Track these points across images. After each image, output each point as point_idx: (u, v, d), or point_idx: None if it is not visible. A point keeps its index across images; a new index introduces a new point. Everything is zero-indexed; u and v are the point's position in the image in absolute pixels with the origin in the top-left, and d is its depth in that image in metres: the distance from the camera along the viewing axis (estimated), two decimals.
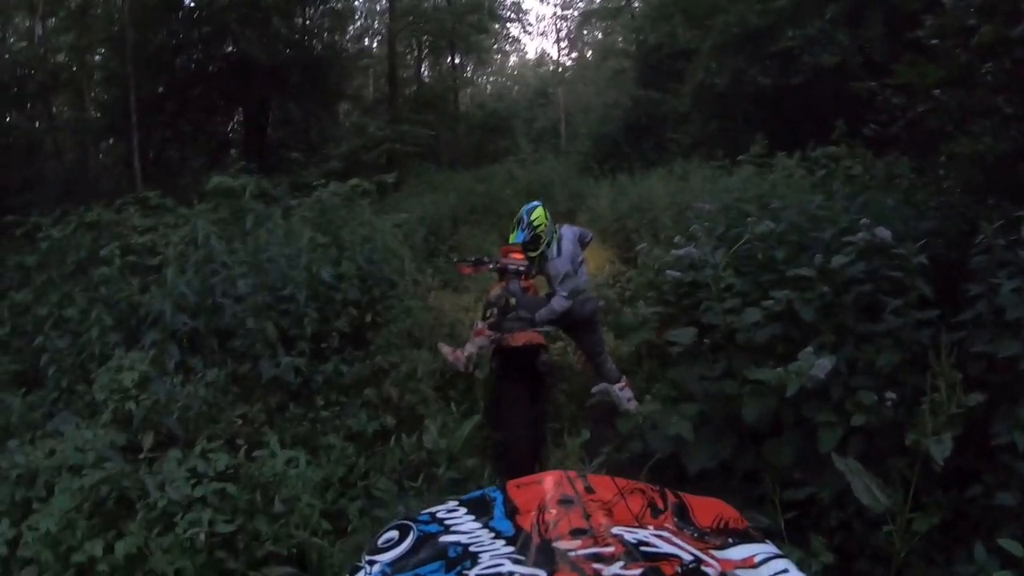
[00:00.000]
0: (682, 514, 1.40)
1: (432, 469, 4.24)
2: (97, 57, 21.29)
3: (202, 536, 3.19)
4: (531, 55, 51.66)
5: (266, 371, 4.78)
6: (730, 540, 1.33)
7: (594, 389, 4.43)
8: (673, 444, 3.80)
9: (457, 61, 31.82)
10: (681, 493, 1.46)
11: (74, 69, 19.87)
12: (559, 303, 4.85)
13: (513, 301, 4.89)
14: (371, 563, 1.27)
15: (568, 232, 5.24)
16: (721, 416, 3.89)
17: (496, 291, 5.28)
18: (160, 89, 20.63)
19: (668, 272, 4.12)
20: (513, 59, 47.52)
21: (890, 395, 3.39)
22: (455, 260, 6.94)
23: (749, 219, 4.51)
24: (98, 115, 20.73)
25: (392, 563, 1.25)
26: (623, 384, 5.02)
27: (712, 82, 13.88)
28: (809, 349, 3.37)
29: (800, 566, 3.02)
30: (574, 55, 44.80)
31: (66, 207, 6.91)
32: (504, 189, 14.60)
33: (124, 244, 6.16)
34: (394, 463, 4.41)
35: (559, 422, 5.14)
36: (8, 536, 3.22)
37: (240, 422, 4.46)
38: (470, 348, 4.93)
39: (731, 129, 13.10)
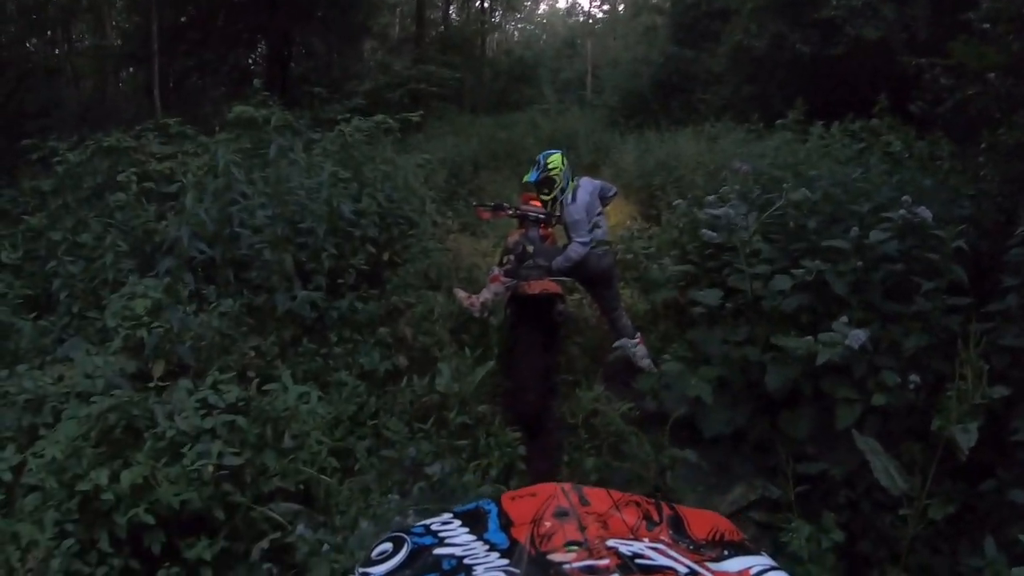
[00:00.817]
0: (677, 526, 1.39)
1: (443, 412, 4.23)
2: None
3: (209, 468, 3.17)
4: (562, 4, 51.00)
5: (281, 304, 4.74)
6: (726, 552, 1.32)
7: (616, 344, 4.40)
8: (689, 406, 3.79)
9: (486, 5, 31.40)
10: (676, 505, 1.46)
11: None
12: (575, 250, 4.84)
13: (531, 248, 4.84)
14: (365, 575, 1.26)
15: (587, 184, 5.17)
16: (740, 382, 3.86)
17: (514, 238, 5.24)
18: (183, 18, 20.38)
19: (703, 232, 4.04)
20: (543, 7, 46.98)
21: (914, 378, 3.36)
22: (474, 204, 6.89)
23: (785, 185, 4.42)
24: (119, 42, 20.49)
25: (386, 575, 1.24)
26: (638, 340, 5.00)
27: (750, 44, 13.61)
28: (844, 319, 3.33)
29: (810, 542, 3.03)
30: (606, 7, 44.10)
31: (84, 133, 6.86)
32: (527, 137, 14.48)
33: (142, 171, 6.11)
34: (405, 404, 4.40)
35: (573, 374, 5.11)
36: (13, 462, 3.21)
37: (252, 354, 4.43)
38: (485, 294, 4.91)
39: (765, 94, 12.90)
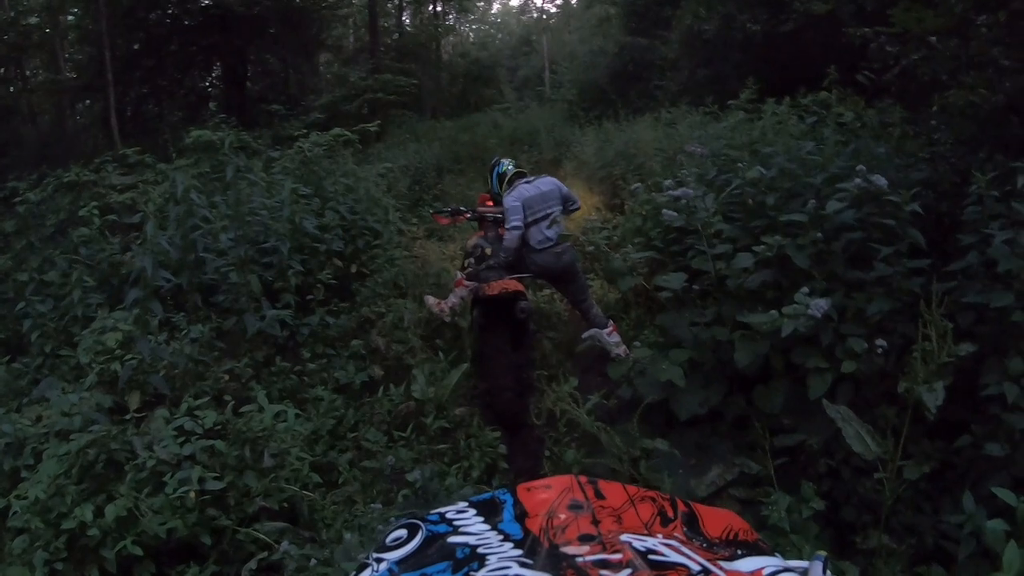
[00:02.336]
0: (692, 523, 1.38)
1: (421, 418, 4.25)
2: (70, 17, 20.74)
3: (192, 494, 3.18)
4: (514, 2, 50.91)
5: (251, 325, 4.73)
6: (739, 552, 1.31)
7: (584, 335, 4.43)
8: (663, 390, 3.81)
9: (439, 9, 31.29)
10: (691, 503, 1.45)
11: (47, 30, 19.33)
12: (507, 237, 4.92)
13: (489, 250, 4.86)
14: (378, 561, 1.25)
15: (543, 182, 5.21)
16: (711, 362, 3.89)
17: (473, 240, 5.26)
18: (136, 46, 20.17)
19: (665, 213, 4.06)
20: (496, 6, 46.79)
21: (880, 343, 3.40)
22: (431, 211, 6.91)
23: (740, 164, 4.46)
24: (73, 75, 20.25)
25: (399, 562, 1.23)
26: (611, 329, 5.04)
27: (701, 29, 13.68)
28: (805, 290, 3.36)
29: (790, 512, 3.06)
30: (558, 2, 44.18)
31: (44, 170, 6.81)
32: (488, 138, 14.47)
33: (103, 203, 6.08)
34: (383, 414, 4.42)
35: (548, 369, 5.14)
36: None
37: (227, 378, 4.43)
38: (452, 299, 4.94)
39: (720, 76, 12.94)
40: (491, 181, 5.38)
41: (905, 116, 5.22)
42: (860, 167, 3.74)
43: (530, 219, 5.02)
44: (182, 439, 3.40)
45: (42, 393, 4.22)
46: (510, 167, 5.40)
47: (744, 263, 3.84)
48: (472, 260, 4.91)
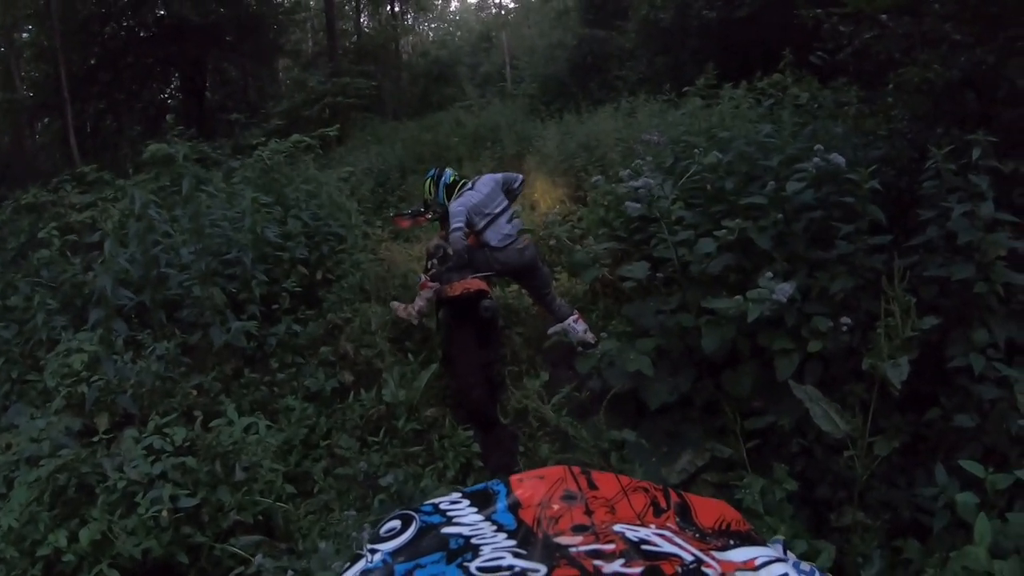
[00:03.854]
0: (684, 514, 1.41)
1: (393, 422, 4.24)
2: (24, 34, 20.49)
3: (165, 513, 3.15)
4: None
5: (217, 338, 4.69)
6: (732, 542, 1.35)
7: (550, 330, 4.43)
8: (632, 380, 3.82)
9: (397, 9, 31.18)
10: (684, 493, 1.47)
11: (1, 49, 19.08)
12: (451, 239, 4.89)
13: (451, 250, 4.86)
14: (372, 551, 1.26)
15: (484, 183, 5.20)
16: (678, 350, 3.91)
17: (435, 241, 5.25)
18: (92, 61, 19.96)
19: (627, 204, 4.07)
20: (454, 4, 46.71)
21: (845, 320, 3.43)
22: (392, 215, 6.88)
23: (696, 151, 4.48)
24: (30, 94, 20.01)
25: (394, 552, 1.24)
26: (576, 317, 5.07)
27: (657, 17, 13.72)
28: (769, 274, 3.38)
29: (764, 494, 3.09)
30: None
31: (3, 192, 6.71)
32: (451, 136, 14.42)
33: (63, 224, 6.01)
34: (355, 419, 4.42)
35: (517, 365, 5.15)
36: None
37: (195, 393, 4.39)
38: (419, 303, 4.94)
39: (677, 64, 13.00)
40: (436, 192, 5.32)
41: (861, 95, 5.27)
42: (818, 146, 3.77)
43: (485, 221, 5.02)
44: (152, 458, 3.36)
45: (11, 420, 4.16)
46: (456, 176, 5.40)
47: (706, 248, 3.86)
48: (435, 261, 4.90)
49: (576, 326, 4.94)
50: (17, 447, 3.57)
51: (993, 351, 3.25)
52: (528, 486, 1.40)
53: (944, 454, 3.30)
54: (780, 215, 3.78)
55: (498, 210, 5.07)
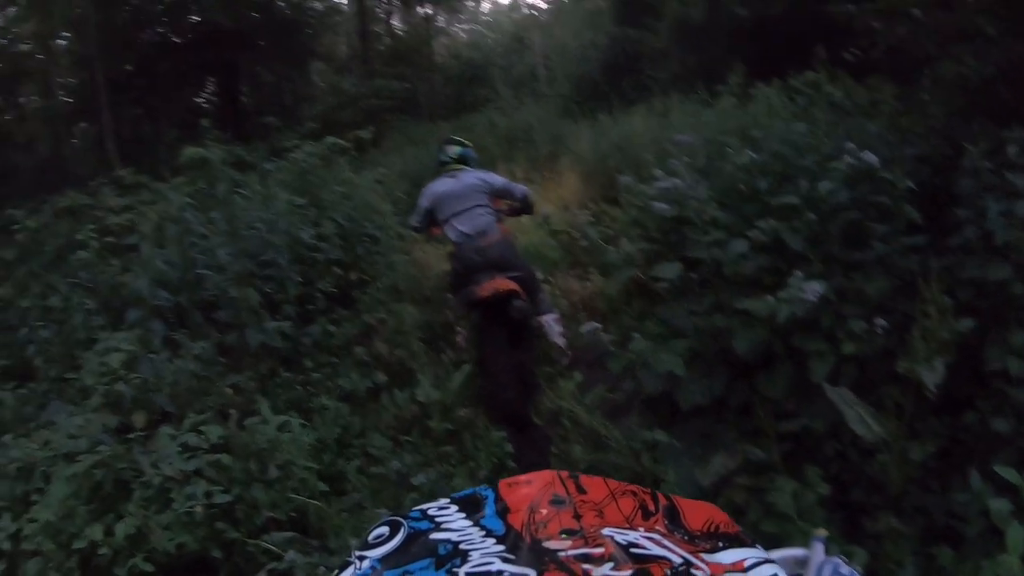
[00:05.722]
0: (673, 517, 1.38)
1: (426, 422, 4.26)
2: (61, 42, 20.83)
3: (200, 509, 3.20)
4: (504, 0, 50.91)
5: (253, 339, 4.75)
6: (720, 544, 1.31)
7: (583, 329, 4.43)
8: (665, 381, 3.80)
9: (429, 12, 31.29)
10: (672, 496, 1.45)
11: (38, 57, 19.44)
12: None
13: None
14: (360, 559, 1.24)
15: (469, 177, 5.23)
16: (712, 351, 3.87)
17: None
18: (128, 67, 20.25)
19: (656, 205, 4.06)
20: (486, 6, 46.70)
21: (880, 322, 3.37)
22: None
23: (729, 151, 4.45)
24: (68, 100, 20.35)
25: (382, 559, 1.22)
26: (556, 316, 5.23)
27: (688, 16, 13.66)
28: (798, 274, 3.34)
29: (796, 498, 3.05)
30: None
31: (42, 196, 6.86)
32: (485, 137, 14.47)
33: (101, 226, 6.12)
34: (388, 419, 4.45)
35: (551, 365, 5.14)
36: (11, 531, 3.24)
37: (231, 392, 4.44)
38: (558, 328, 5.16)
39: (710, 62, 12.87)
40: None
41: (896, 92, 5.20)
42: (850, 145, 3.72)
43: (445, 215, 5.07)
44: (188, 455, 3.42)
45: (50, 417, 4.24)
46: (447, 157, 5.46)
47: (739, 249, 3.82)
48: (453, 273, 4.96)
49: (554, 325, 5.05)
50: (55, 443, 3.65)
51: None
52: (516, 491, 1.39)
53: (980, 459, 3.23)
54: (813, 215, 3.74)
55: (466, 208, 5.07)
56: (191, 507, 3.20)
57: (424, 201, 5.18)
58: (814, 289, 3.21)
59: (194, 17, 20.44)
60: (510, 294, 4.67)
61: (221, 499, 3.30)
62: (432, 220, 5.25)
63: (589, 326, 4.17)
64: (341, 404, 4.52)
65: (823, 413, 3.43)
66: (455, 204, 5.06)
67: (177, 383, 4.23)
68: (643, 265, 4.55)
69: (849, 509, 3.39)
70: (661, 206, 3.98)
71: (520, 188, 5.44)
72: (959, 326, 3.07)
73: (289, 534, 3.37)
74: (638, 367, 3.90)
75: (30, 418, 4.43)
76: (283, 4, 23.09)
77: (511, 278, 4.80)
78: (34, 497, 3.43)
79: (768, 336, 3.58)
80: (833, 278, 3.59)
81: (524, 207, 5.51)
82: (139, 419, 3.91)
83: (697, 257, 4.05)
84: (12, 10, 19.46)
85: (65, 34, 20.33)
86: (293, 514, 3.48)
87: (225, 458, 3.43)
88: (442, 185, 5.15)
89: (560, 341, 5.00)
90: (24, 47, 19.65)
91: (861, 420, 3.10)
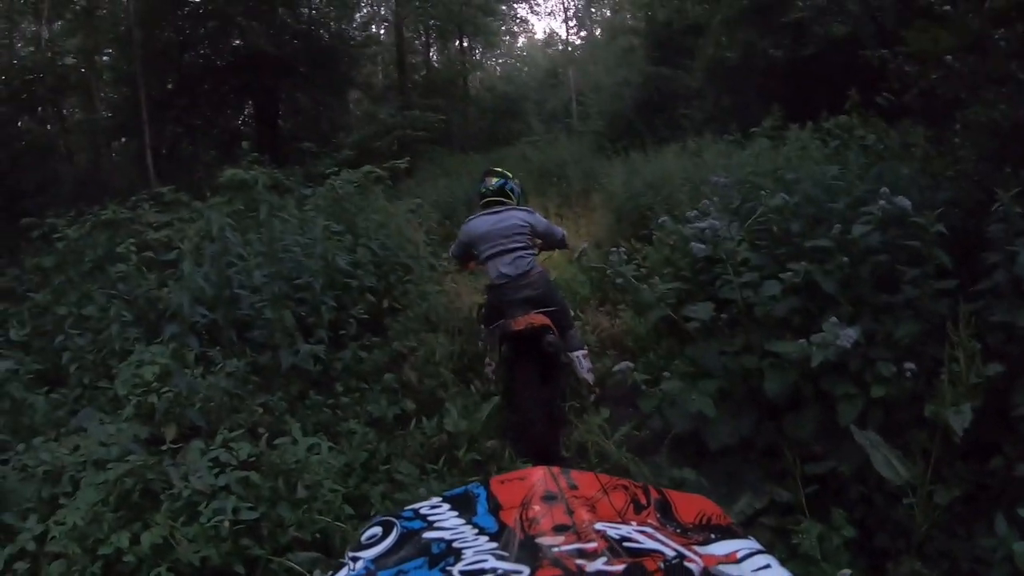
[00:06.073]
0: (665, 510, 1.37)
1: (453, 451, 4.28)
2: (105, 58, 21.35)
3: (226, 524, 3.23)
4: (540, 35, 51.31)
5: (285, 360, 4.82)
6: (713, 536, 1.31)
7: (615, 368, 4.45)
8: (693, 421, 3.81)
9: (465, 44, 31.68)
10: (664, 489, 1.45)
11: (83, 71, 19.88)
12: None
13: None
14: (354, 559, 1.25)
15: (509, 217, 5.18)
16: (741, 391, 3.89)
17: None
18: (169, 86, 20.75)
19: (692, 245, 4.09)
20: (522, 40, 47.10)
21: (909, 366, 3.37)
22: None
23: (763, 192, 4.48)
24: (109, 115, 20.79)
25: (375, 559, 1.23)
26: (584, 352, 5.20)
27: (723, 56, 13.76)
28: (834, 319, 3.35)
29: (821, 540, 3.04)
30: (583, 34, 44.41)
31: (81, 207, 6.98)
32: (518, 170, 14.56)
33: (140, 240, 6.23)
34: (415, 447, 4.46)
35: (579, 400, 5.15)
36: (36, 532, 3.27)
37: (261, 411, 4.49)
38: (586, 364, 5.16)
39: (744, 103, 12.98)
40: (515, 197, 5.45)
41: (929, 135, 5.21)
42: (883, 189, 3.74)
43: (487, 253, 5.05)
44: (217, 470, 3.46)
45: (80, 423, 4.30)
46: (486, 188, 5.45)
47: (771, 291, 3.85)
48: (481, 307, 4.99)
49: (584, 362, 5.06)
50: (86, 449, 3.71)
51: None
52: (508, 488, 1.40)
53: (1007, 504, 3.21)
54: (846, 258, 3.75)
55: (508, 248, 5.04)
56: (218, 521, 3.22)
57: (464, 236, 5.19)
58: (849, 335, 3.22)
59: (236, 41, 20.87)
60: (543, 329, 4.69)
61: (248, 516, 3.32)
62: (469, 254, 5.27)
63: (622, 365, 4.19)
64: (369, 429, 4.54)
65: (850, 456, 3.42)
66: (496, 244, 5.04)
67: (209, 399, 4.28)
68: (675, 304, 4.57)
69: (874, 553, 3.36)
70: (697, 246, 4.01)
71: (560, 231, 5.41)
72: (987, 371, 3.06)
73: (313, 554, 3.38)
74: (666, 406, 3.91)
75: (60, 423, 4.49)
76: (323, 32, 23.57)
77: (545, 313, 4.81)
78: (61, 501, 3.48)
79: (797, 378, 3.58)
80: (863, 321, 3.60)
81: (559, 246, 5.53)
82: (170, 432, 3.96)
83: (728, 298, 4.07)
84: (58, 24, 20.05)
85: (109, 50, 20.86)
86: (317, 535, 3.50)
87: (254, 476, 3.46)
88: (483, 224, 5.13)
89: (589, 377, 5.02)
90: (70, 61, 20.15)
91: (888, 463, 3.09)
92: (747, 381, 3.87)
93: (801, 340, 3.45)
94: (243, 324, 5.19)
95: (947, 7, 4.63)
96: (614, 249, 4.68)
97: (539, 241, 5.30)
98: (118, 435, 3.75)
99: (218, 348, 4.89)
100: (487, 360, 5.26)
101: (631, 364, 4.53)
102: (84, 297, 5.69)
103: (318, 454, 3.75)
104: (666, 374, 4.09)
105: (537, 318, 4.70)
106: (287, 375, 4.89)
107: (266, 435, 3.84)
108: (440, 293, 6.64)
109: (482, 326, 5.22)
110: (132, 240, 5.93)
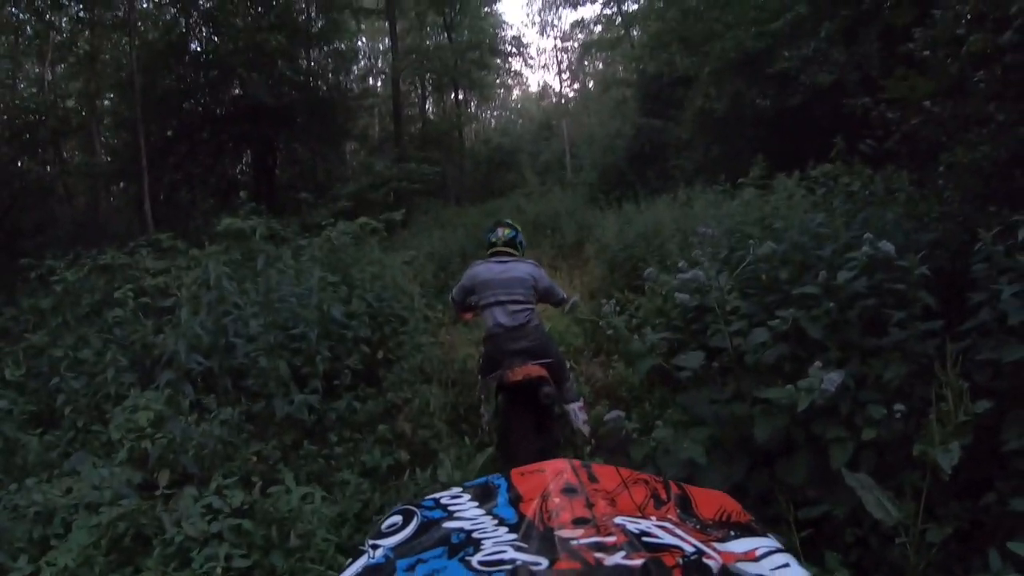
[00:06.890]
0: (685, 506, 1.40)
1: None
2: (106, 102, 21.61)
3: (218, 571, 3.22)
4: (534, 88, 51.98)
5: (280, 409, 4.83)
6: (732, 533, 1.33)
7: (606, 416, 4.46)
8: (686, 468, 3.81)
9: (460, 97, 32.10)
10: (684, 484, 1.46)
11: (84, 114, 20.07)
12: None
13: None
14: (374, 547, 1.27)
15: (517, 269, 5.14)
16: (732, 438, 3.90)
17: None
18: (169, 133, 21.03)
19: (677, 295, 4.13)
20: (516, 93, 47.79)
21: (899, 407, 3.40)
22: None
23: (751, 241, 4.55)
24: (108, 159, 20.92)
25: (395, 547, 1.25)
26: (580, 405, 5.17)
27: (712, 107, 13.94)
28: (818, 364, 3.38)
29: None
30: (576, 86, 45.16)
31: (78, 250, 7.03)
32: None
33: (137, 286, 6.26)
34: (408, 497, 4.43)
35: (574, 451, 5.15)
36: (26, 572, 3.26)
37: (255, 459, 4.49)
38: (581, 417, 5.14)
39: (732, 153, 13.15)
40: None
41: (913, 179, 5.30)
42: (867, 235, 3.81)
43: (485, 301, 5.01)
44: (210, 517, 3.46)
45: (73, 466, 4.29)
46: (496, 238, 5.37)
47: (760, 338, 3.89)
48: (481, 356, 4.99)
49: (579, 414, 5.05)
50: (78, 492, 3.70)
51: None
52: (529, 480, 1.40)
53: (1000, 540, 3.21)
54: (832, 304, 3.80)
55: (505, 299, 5.00)
56: (210, 568, 3.22)
57: (466, 280, 5.16)
58: (832, 379, 3.25)
59: (236, 91, 21.15)
60: (540, 380, 4.69)
61: (240, 563, 3.31)
62: (468, 301, 5.22)
63: (613, 414, 4.20)
64: (362, 479, 4.52)
65: (843, 499, 3.42)
66: (498, 292, 5.01)
67: (203, 446, 4.28)
68: (666, 354, 4.60)
69: None
70: (682, 296, 4.06)
71: (561, 293, 5.33)
72: (976, 408, 3.08)
73: None
74: (659, 454, 3.92)
75: (53, 465, 4.49)
76: (321, 84, 23.90)
77: (541, 364, 4.80)
78: (53, 542, 3.47)
79: (788, 424, 3.60)
80: (851, 365, 3.64)
81: (556, 305, 5.53)
82: (163, 477, 3.96)
83: (719, 346, 4.11)
84: (61, 67, 20.31)
85: (111, 95, 21.11)
86: None
87: (247, 523, 3.46)
88: (488, 271, 5.10)
89: (585, 429, 5.00)
90: (71, 104, 20.38)
91: (880, 505, 3.09)
92: (738, 428, 3.88)
93: (789, 386, 3.47)
94: (238, 372, 5.21)
95: (927, 52, 4.76)
96: (606, 301, 4.71)
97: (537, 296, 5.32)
98: (111, 479, 3.75)
99: (213, 396, 4.90)
100: (482, 410, 5.26)
101: (622, 413, 4.54)
102: (80, 340, 5.73)
103: (312, 503, 3.74)
104: (658, 423, 4.10)
105: (534, 369, 4.69)
106: (281, 424, 4.90)
107: (259, 483, 3.84)
108: (434, 345, 6.66)
109: (479, 376, 5.22)
110: (130, 285, 5.98)
